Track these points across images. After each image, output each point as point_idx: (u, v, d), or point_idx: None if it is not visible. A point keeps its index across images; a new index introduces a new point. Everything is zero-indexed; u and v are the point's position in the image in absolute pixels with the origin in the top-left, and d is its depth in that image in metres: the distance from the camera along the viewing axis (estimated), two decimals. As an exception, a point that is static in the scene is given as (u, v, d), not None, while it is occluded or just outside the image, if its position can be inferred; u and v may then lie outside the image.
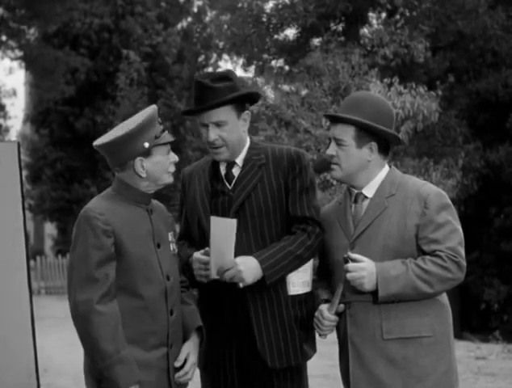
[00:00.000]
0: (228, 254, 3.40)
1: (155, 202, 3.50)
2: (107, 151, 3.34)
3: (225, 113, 3.52)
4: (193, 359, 3.42)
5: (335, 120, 3.53)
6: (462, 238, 3.44)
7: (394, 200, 3.45)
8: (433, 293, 3.35)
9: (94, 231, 3.21)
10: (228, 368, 3.59)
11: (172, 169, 3.42)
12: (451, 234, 3.38)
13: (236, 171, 3.62)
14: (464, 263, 3.38)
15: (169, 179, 3.43)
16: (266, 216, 3.54)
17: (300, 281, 3.55)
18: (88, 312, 3.15)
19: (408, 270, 3.31)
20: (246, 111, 3.61)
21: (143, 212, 3.37)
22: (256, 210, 3.53)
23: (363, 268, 3.33)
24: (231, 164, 3.62)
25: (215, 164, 3.67)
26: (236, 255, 3.43)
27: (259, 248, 3.52)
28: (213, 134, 3.52)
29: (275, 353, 3.52)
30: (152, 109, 3.37)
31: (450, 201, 3.47)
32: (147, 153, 3.31)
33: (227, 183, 3.61)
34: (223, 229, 3.39)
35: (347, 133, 3.47)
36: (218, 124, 3.52)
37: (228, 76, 3.55)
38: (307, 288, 3.58)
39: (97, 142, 3.34)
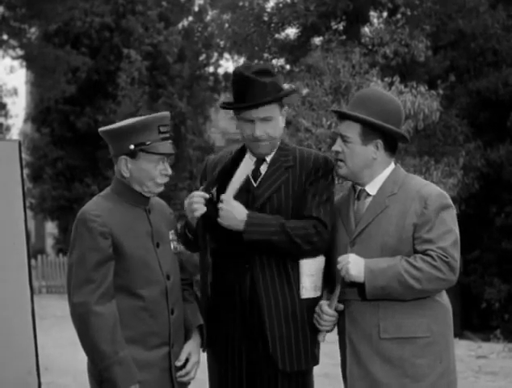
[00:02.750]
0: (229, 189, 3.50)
1: (156, 200, 3.48)
2: (105, 139, 3.38)
3: (272, 109, 3.54)
4: (195, 358, 3.41)
5: (342, 116, 3.54)
6: (456, 239, 3.40)
7: (395, 200, 3.45)
8: (421, 290, 3.32)
9: (90, 233, 3.21)
10: (237, 364, 3.58)
11: (161, 180, 3.35)
12: (445, 235, 3.36)
13: (263, 169, 3.62)
14: (456, 264, 3.34)
15: (156, 190, 3.36)
16: (286, 217, 3.53)
17: (312, 286, 3.54)
18: (86, 313, 3.16)
19: (397, 264, 3.31)
20: (285, 108, 3.65)
21: (141, 212, 3.36)
22: (276, 210, 3.54)
23: (349, 256, 3.36)
24: (260, 161, 3.62)
25: (240, 158, 3.66)
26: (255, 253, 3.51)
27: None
28: (260, 130, 3.52)
29: (287, 356, 3.51)
30: (155, 115, 3.35)
31: (451, 202, 3.46)
32: (133, 155, 3.29)
33: (253, 181, 3.61)
34: (246, 169, 3.53)
35: (353, 130, 3.47)
36: (265, 120, 3.53)
37: (270, 71, 3.56)
38: (318, 293, 3.58)
39: (103, 129, 3.38)
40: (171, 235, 3.46)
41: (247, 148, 3.65)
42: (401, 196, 3.45)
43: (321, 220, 3.51)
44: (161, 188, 3.39)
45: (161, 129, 3.32)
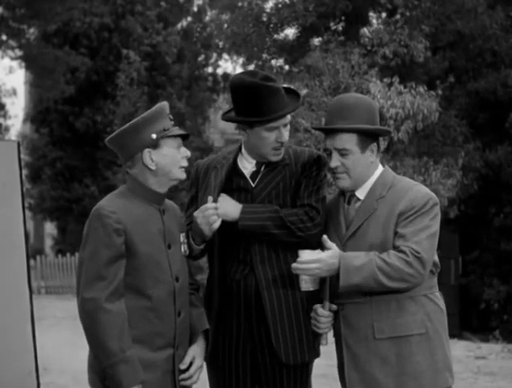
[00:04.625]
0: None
1: (169, 202, 3.49)
2: (116, 145, 3.36)
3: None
4: (199, 362, 3.41)
5: (333, 130, 3.49)
6: (432, 235, 3.38)
7: (384, 202, 3.46)
8: (394, 286, 3.32)
9: (105, 229, 3.21)
10: (241, 360, 3.62)
11: (184, 163, 3.39)
12: (421, 231, 3.35)
13: (262, 170, 3.68)
14: (427, 258, 3.32)
15: (182, 175, 3.41)
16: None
17: (311, 279, 3.56)
18: (95, 310, 3.15)
19: (371, 261, 3.30)
20: None
21: (155, 211, 3.37)
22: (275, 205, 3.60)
23: (317, 261, 3.33)
24: (260, 164, 3.67)
25: (235, 161, 3.71)
26: (256, 248, 3.57)
27: (276, 243, 3.57)
28: (286, 135, 3.60)
29: (290, 349, 3.55)
30: (161, 104, 3.40)
31: (436, 202, 3.45)
32: (155, 145, 3.31)
33: (250, 181, 3.65)
34: None
35: (350, 141, 3.46)
36: (286, 124, 3.60)
37: (270, 76, 3.60)
38: (317, 286, 3.60)
39: (107, 138, 3.38)
40: (182, 238, 3.47)
41: (247, 153, 3.69)
42: (390, 198, 3.46)
43: (313, 206, 3.56)
44: (185, 175, 3.42)
45: (170, 117, 3.39)
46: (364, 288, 3.34)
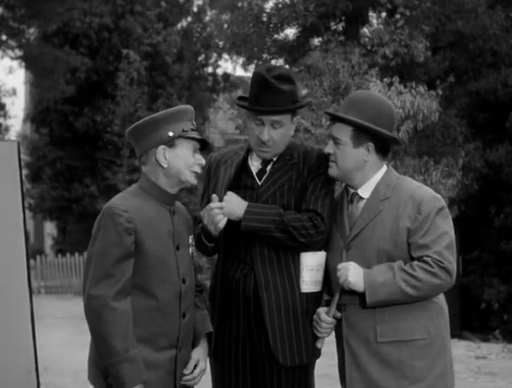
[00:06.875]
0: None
1: (179, 204, 3.50)
2: (134, 137, 3.36)
3: (284, 116, 3.57)
4: (202, 365, 3.42)
5: (334, 118, 3.54)
6: (451, 241, 3.40)
7: (388, 204, 3.45)
8: (421, 297, 3.34)
9: (115, 228, 3.20)
10: (240, 359, 3.62)
11: (197, 169, 3.39)
12: (440, 238, 3.36)
13: (268, 167, 3.67)
14: (452, 267, 3.35)
15: (192, 179, 3.40)
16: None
17: (312, 280, 3.56)
18: (101, 307, 3.15)
19: (395, 276, 3.31)
20: (297, 116, 3.69)
21: (166, 212, 3.37)
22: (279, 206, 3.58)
23: (349, 264, 3.37)
24: (267, 161, 3.66)
25: (246, 157, 3.71)
26: (257, 247, 3.56)
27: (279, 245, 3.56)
28: (267, 134, 3.56)
29: (287, 350, 3.54)
30: (187, 106, 3.41)
31: (444, 204, 3.45)
32: (171, 144, 3.32)
33: (257, 179, 3.64)
34: None
35: (344, 133, 3.48)
36: (274, 125, 3.56)
37: (291, 77, 3.57)
38: (318, 288, 3.60)
39: (128, 129, 3.38)
40: (190, 239, 3.47)
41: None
42: (394, 200, 3.45)
43: (317, 212, 3.54)
44: (196, 181, 3.41)
45: (193, 123, 3.40)
46: (391, 301, 3.34)
